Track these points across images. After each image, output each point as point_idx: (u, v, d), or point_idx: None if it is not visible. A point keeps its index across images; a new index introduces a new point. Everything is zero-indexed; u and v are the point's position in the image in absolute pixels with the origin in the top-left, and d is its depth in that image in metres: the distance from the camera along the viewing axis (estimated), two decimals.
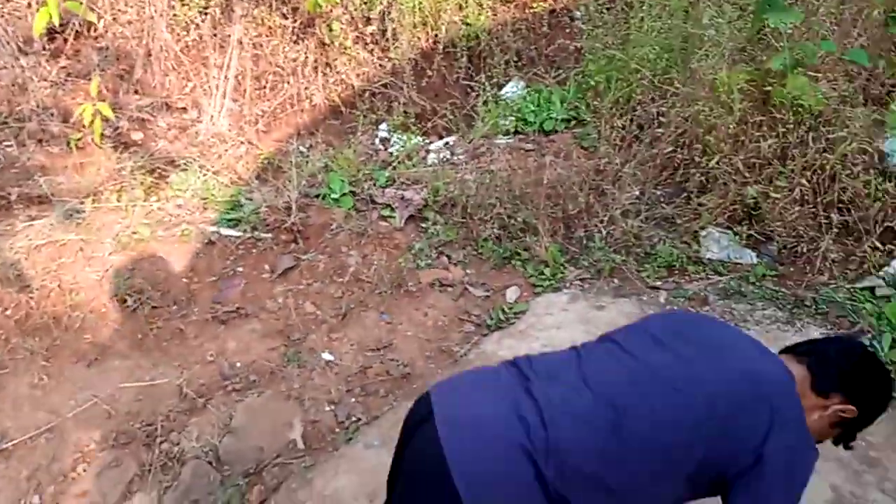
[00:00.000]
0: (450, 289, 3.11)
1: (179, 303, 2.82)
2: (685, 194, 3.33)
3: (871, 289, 2.81)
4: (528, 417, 1.38)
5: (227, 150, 3.70)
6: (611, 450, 1.37)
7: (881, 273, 2.85)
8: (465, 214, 3.34)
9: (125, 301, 2.78)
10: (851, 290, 2.84)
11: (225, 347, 2.68)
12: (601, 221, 3.27)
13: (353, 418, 2.49)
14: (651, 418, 1.39)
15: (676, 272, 3.11)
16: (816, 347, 1.63)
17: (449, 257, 3.25)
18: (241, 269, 3.01)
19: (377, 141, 3.92)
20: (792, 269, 3.03)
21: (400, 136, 3.93)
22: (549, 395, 1.41)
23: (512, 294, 3.10)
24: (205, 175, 3.45)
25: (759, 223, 3.10)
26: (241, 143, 3.79)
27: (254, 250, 3.10)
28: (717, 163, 3.18)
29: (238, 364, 2.63)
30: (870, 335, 2.64)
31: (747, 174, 3.12)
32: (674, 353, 1.49)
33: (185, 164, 3.52)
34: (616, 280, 3.12)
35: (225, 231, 3.14)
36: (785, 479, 1.39)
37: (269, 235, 3.13)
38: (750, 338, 1.58)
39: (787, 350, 1.63)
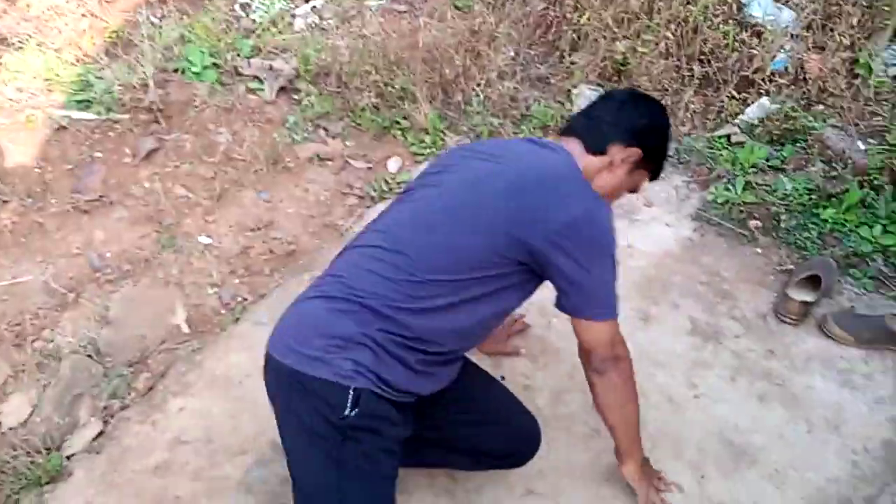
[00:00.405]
0: (329, 163, 3.03)
1: (34, 195, 2.60)
2: (558, 53, 3.33)
3: (728, 136, 2.97)
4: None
5: (67, 25, 3.31)
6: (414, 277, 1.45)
7: (736, 121, 3.01)
8: (339, 84, 3.21)
9: None
10: (710, 138, 2.99)
11: (91, 238, 2.52)
12: (478, 85, 3.23)
13: (239, 298, 2.45)
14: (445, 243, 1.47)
15: (551, 131, 3.16)
16: (580, 115, 1.68)
17: (326, 130, 3.15)
18: (99, 154, 2.78)
19: (237, 7, 3.62)
20: None
21: (262, 1, 3.65)
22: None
23: (393, 164, 3.07)
24: (45, 53, 3.10)
25: (628, 79, 3.17)
26: (83, 15, 3.40)
27: (111, 133, 2.87)
28: (588, 19, 3.19)
29: (108, 254, 2.49)
30: (725, 179, 2.83)
31: (616, 30, 3.15)
32: (458, 175, 1.56)
33: (19, 42, 3.13)
34: None
35: (76, 114, 2.87)
36: (590, 245, 1.46)
37: (127, 116, 2.90)
38: (532, 140, 1.63)
39: (562, 132, 1.67)
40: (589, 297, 1.49)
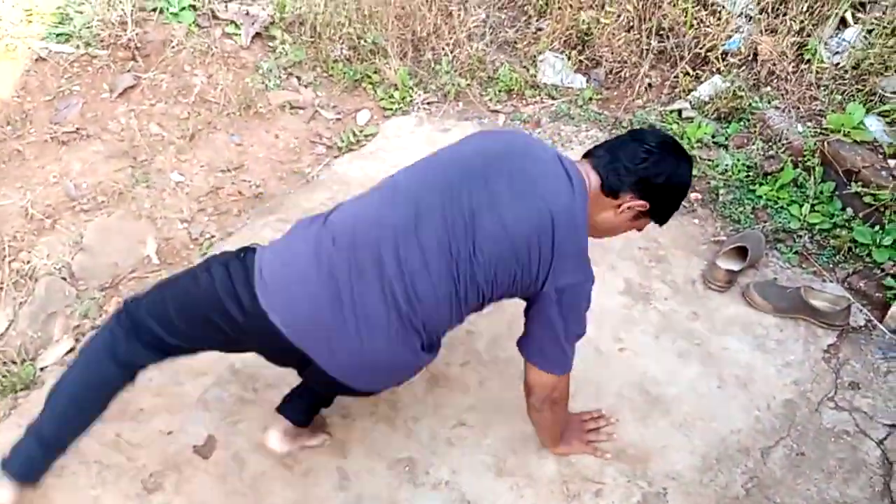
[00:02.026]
0: (301, 111, 3.16)
1: (13, 123, 2.71)
2: (525, 18, 3.46)
3: (679, 111, 3.14)
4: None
5: None
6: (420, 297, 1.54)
7: (689, 97, 3.18)
8: (313, 34, 3.32)
9: None
10: (662, 112, 3.16)
11: (68, 169, 2.65)
12: (448, 44, 3.36)
13: (207, 235, 2.60)
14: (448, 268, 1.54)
15: (515, 96, 3.31)
16: (608, 149, 1.68)
17: (299, 78, 3.26)
18: (77, 88, 2.88)
19: None
20: (615, 93, 3.31)
21: None
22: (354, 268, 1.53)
23: (363, 117, 3.20)
24: None
25: (590, 49, 3.31)
26: None
27: (89, 68, 2.96)
28: None
29: (84, 185, 2.62)
30: None
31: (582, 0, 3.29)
32: (469, 200, 1.57)
33: None
34: (461, 104, 3.29)
35: (55, 47, 2.95)
36: (567, 308, 1.63)
37: (105, 52, 2.99)
38: (549, 160, 1.65)
39: (587, 154, 1.72)
40: (553, 352, 1.69)
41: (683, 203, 2.81)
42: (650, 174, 1.62)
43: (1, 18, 3.00)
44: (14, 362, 2.08)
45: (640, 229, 1.79)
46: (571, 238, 1.58)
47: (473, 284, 1.57)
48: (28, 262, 2.32)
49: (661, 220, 1.75)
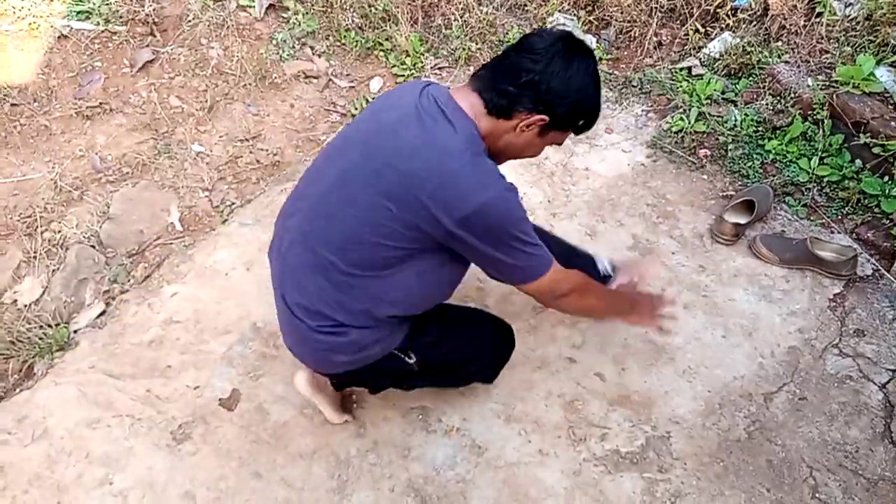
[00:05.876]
0: (315, 80, 3.23)
1: (40, 99, 2.82)
2: None
3: (689, 69, 3.15)
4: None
5: None
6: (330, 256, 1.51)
7: (699, 55, 3.18)
8: (325, 3, 3.38)
9: None
10: (672, 70, 3.17)
11: (94, 142, 2.76)
12: (457, 9, 3.40)
13: (227, 203, 2.70)
14: (343, 227, 1.49)
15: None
16: (491, 68, 1.51)
17: (312, 48, 3.33)
18: (98, 63, 2.99)
19: None
20: (625, 52, 3.32)
21: None
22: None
23: (375, 84, 3.26)
24: None
25: (600, 9, 3.32)
26: None
27: (109, 44, 3.06)
28: None
29: (109, 157, 2.73)
30: (682, 110, 3.03)
31: None
32: (353, 160, 1.50)
33: None
34: (471, 68, 3.33)
35: (76, 24, 3.05)
36: (496, 231, 1.44)
37: (124, 28, 3.08)
38: (437, 104, 1.47)
39: (473, 75, 1.54)
40: (512, 270, 1.52)
41: (692, 159, 2.89)
42: (534, 85, 1.44)
43: None
44: (49, 326, 2.21)
45: (559, 143, 1.60)
46: (450, 171, 1.40)
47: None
48: (59, 232, 2.44)
49: (577, 128, 1.56)
